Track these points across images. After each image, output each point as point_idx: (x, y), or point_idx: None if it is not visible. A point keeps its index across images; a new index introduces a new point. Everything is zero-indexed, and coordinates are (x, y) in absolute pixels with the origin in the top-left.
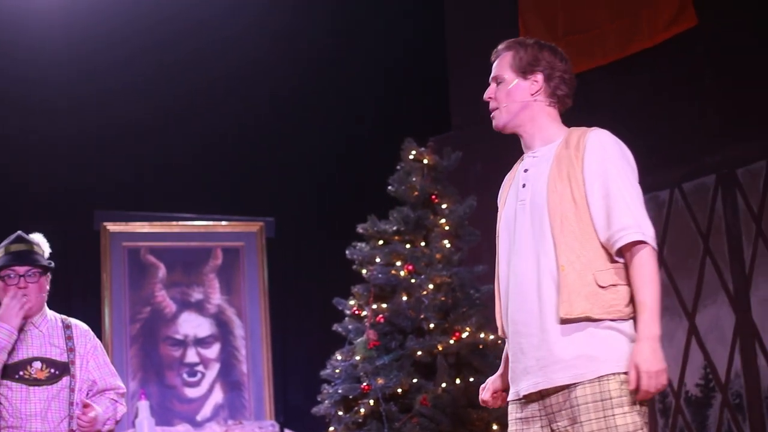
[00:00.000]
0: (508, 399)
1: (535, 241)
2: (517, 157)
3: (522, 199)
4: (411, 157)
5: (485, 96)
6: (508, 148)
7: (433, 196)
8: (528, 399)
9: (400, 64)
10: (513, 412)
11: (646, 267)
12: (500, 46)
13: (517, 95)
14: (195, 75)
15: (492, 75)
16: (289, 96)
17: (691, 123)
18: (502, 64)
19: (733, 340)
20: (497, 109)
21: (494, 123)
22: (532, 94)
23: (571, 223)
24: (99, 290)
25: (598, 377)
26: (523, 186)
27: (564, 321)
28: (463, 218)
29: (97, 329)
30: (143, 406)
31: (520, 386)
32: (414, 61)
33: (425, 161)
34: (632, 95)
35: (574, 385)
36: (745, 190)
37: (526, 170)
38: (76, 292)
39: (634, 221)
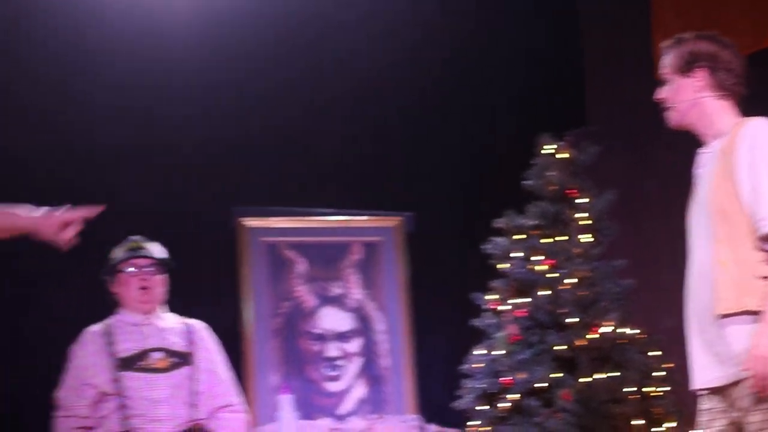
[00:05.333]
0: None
1: (706, 238)
2: (656, 151)
3: (697, 195)
4: (548, 152)
5: (656, 96)
6: (648, 143)
7: (571, 191)
8: (712, 391)
9: (535, 59)
10: (701, 403)
11: None
12: (664, 44)
13: (682, 95)
14: (334, 71)
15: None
16: (427, 91)
17: None
18: (665, 64)
19: None
20: (669, 108)
21: (668, 122)
22: (697, 92)
23: (730, 217)
24: (239, 286)
25: None
26: (699, 182)
27: (727, 315)
28: (602, 212)
29: (238, 324)
30: (286, 400)
31: (703, 379)
32: (549, 56)
33: (562, 156)
34: None
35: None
36: None
37: (701, 167)
38: (215, 288)
39: None
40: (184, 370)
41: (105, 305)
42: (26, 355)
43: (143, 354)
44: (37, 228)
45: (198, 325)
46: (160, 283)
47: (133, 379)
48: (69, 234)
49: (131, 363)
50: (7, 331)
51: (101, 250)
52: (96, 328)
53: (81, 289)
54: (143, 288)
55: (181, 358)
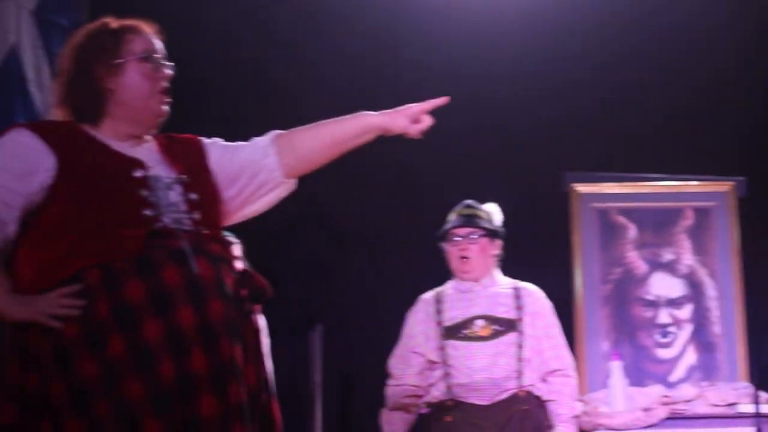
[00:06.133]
0: None
1: None
2: None
3: None
4: None
5: None
6: None
7: None
8: None
9: None
10: None
11: None
12: None
13: None
14: (658, 37)
15: None
16: (758, 51)
17: None
18: None
19: None
20: None
21: None
22: None
23: None
24: (569, 252)
25: None
26: None
27: None
28: None
29: (568, 290)
30: (616, 366)
31: None
32: None
33: None
34: None
35: None
36: None
37: None
38: (546, 254)
39: None
40: (507, 338)
41: (445, 270)
42: (363, 322)
43: (467, 322)
44: (390, 122)
45: (529, 290)
46: (481, 252)
47: (455, 348)
48: (421, 125)
49: (455, 331)
50: (344, 297)
51: (440, 215)
52: (428, 295)
53: (419, 255)
54: (463, 257)
55: (506, 326)
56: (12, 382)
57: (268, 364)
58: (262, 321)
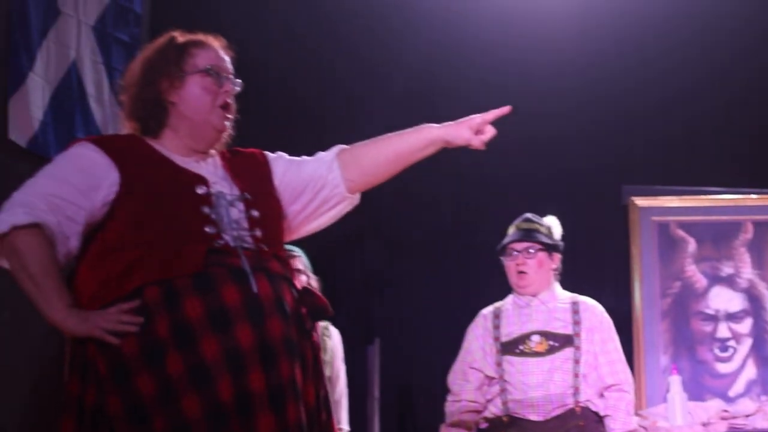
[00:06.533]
0: None
1: None
2: None
3: None
4: None
5: None
6: None
7: None
8: None
9: None
10: None
11: None
12: None
13: None
14: (733, 53)
15: None
16: None
17: None
18: None
19: None
20: None
21: None
22: None
23: None
24: (628, 265)
25: None
26: None
27: None
28: None
29: (627, 304)
30: (675, 380)
31: None
32: None
33: None
34: None
35: None
36: None
37: None
38: (605, 267)
39: None
40: (563, 353)
41: (505, 285)
42: (421, 337)
43: (523, 338)
44: (453, 134)
45: (588, 304)
46: (539, 266)
47: (511, 363)
48: (484, 136)
49: (512, 347)
50: (403, 311)
51: (500, 228)
52: (487, 310)
53: (478, 269)
54: (520, 272)
55: (562, 341)
56: (71, 395)
57: (343, 377)
58: (336, 335)
